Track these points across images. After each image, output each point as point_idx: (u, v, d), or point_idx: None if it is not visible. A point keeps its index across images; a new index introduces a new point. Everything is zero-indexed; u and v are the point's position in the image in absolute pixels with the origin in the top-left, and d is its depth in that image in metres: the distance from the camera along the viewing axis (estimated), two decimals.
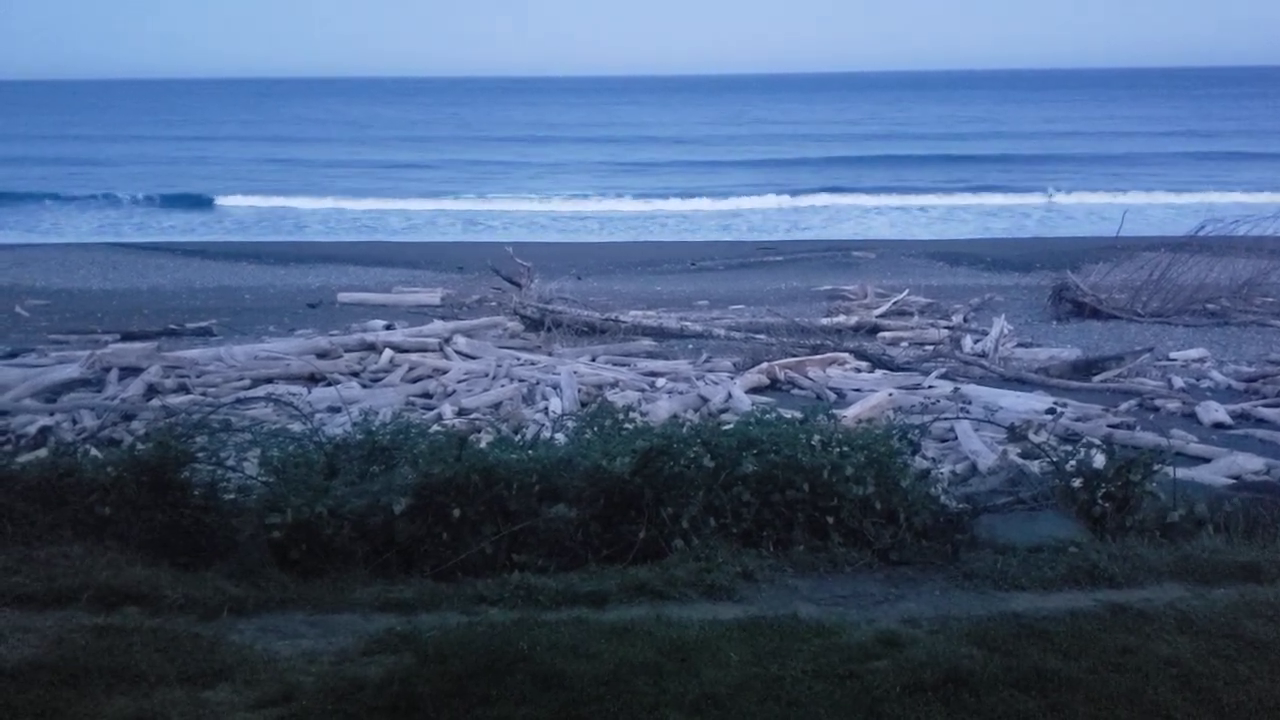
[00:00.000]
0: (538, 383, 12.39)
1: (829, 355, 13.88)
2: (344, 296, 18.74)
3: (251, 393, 12.02)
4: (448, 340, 14.11)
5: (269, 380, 12.63)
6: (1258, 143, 56.14)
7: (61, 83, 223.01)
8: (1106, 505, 6.20)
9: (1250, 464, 9.66)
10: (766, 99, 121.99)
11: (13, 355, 14.08)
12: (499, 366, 13.11)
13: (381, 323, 15.56)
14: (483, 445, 6.78)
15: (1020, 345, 15.09)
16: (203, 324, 16.58)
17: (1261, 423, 11.30)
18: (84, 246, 27.25)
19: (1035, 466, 8.07)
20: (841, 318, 16.56)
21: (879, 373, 13.50)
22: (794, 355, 13.80)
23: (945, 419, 10.49)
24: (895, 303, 17.34)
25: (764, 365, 13.14)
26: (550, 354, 14.24)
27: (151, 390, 12.16)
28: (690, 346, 15.10)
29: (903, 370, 13.51)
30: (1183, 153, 52.20)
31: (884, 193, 39.26)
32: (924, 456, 8.43)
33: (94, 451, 6.97)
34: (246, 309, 18.36)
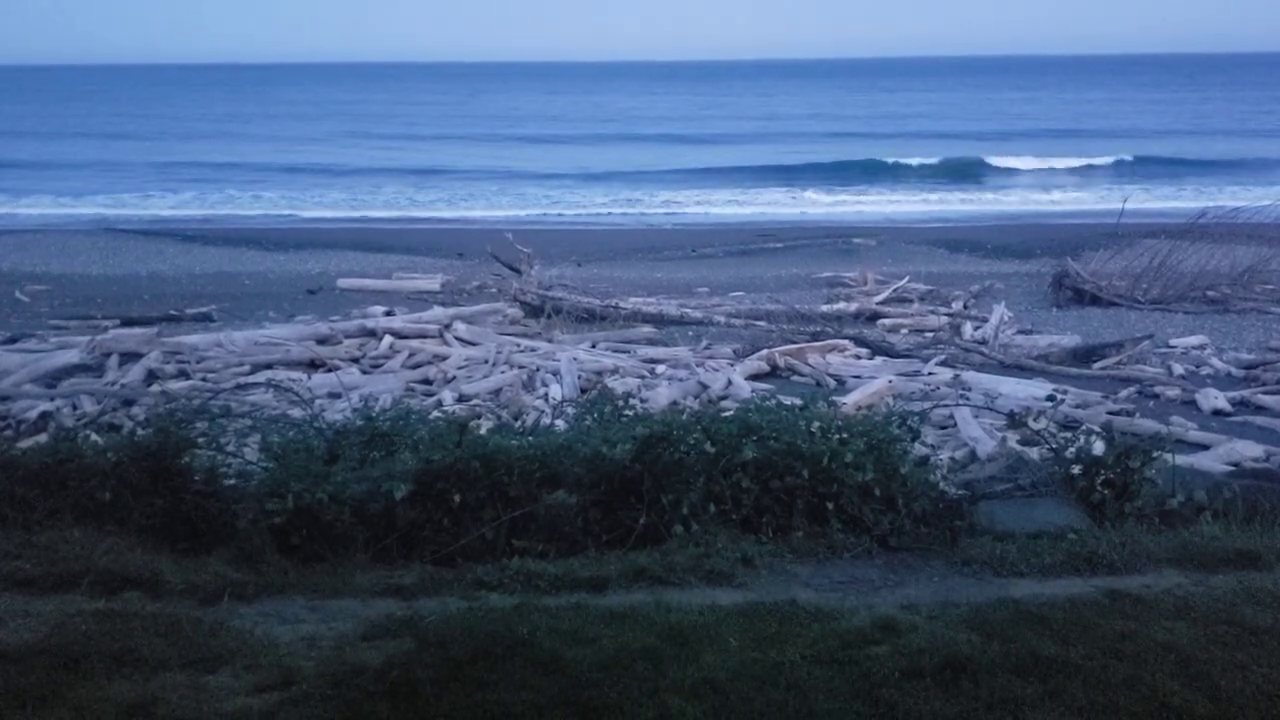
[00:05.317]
0: (538, 369, 12.39)
1: (829, 342, 13.88)
2: (344, 282, 18.71)
3: (251, 378, 12.03)
4: (448, 326, 14.10)
5: (269, 366, 12.63)
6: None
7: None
8: (1106, 492, 6.21)
9: (1249, 451, 9.66)
10: (758, 87, 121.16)
11: (13, 340, 14.08)
12: (499, 353, 13.10)
13: (381, 309, 15.54)
14: (483, 432, 6.79)
15: (1020, 332, 15.08)
16: (203, 309, 16.58)
17: (1261, 410, 11.31)
18: (85, 232, 27.22)
19: (1034, 453, 8.08)
20: (842, 305, 16.55)
21: (879, 360, 13.50)
22: (794, 342, 13.80)
23: (945, 406, 10.49)
24: (895, 290, 17.32)
25: (764, 352, 13.13)
26: (550, 340, 14.24)
27: (151, 376, 12.17)
28: (690, 333, 15.10)
29: (903, 357, 13.51)
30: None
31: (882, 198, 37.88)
32: (923, 443, 8.43)
33: (94, 437, 6.97)
34: (246, 295, 18.35)
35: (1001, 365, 13.19)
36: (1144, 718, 4.04)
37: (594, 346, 13.96)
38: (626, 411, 6.64)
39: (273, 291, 18.67)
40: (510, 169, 45.86)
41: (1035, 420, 9.34)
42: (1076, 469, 6.41)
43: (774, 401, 6.88)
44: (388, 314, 15.07)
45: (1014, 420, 9.51)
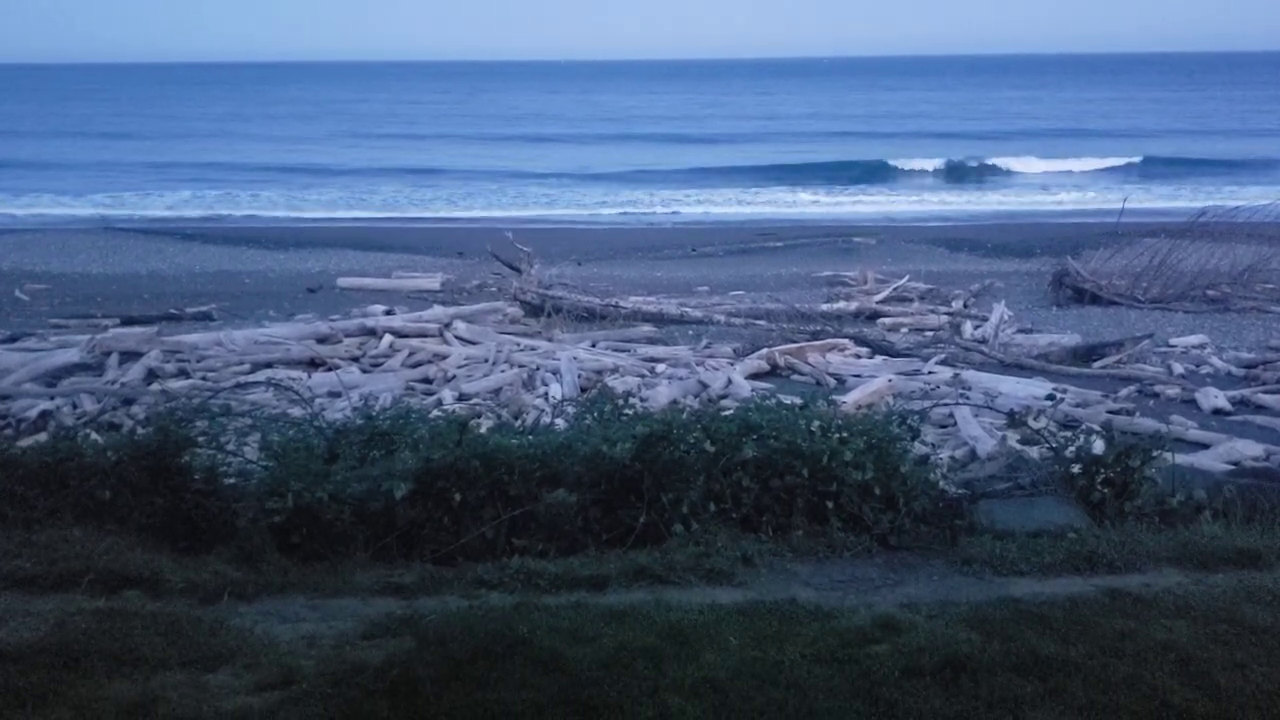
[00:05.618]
0: (538, 368, 12.39)
1: (829, 341, 13.88)
2: (344, 281, 18.71)
3: (251, 377, 12.02)
4: (448, 325, 14.10)
5: (269, 365, 12.64)
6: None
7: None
8: (1105, 491, 6.21)
9: (1249, 450, 9.67)
10: (758, 87, 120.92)
11: (13, 340, 14.08)
12: (499, 352, 13.10)
13: (381, 308, 15.54)
14: (483, 431, 6.79)
15: (1020, 331, 15.08)
16: (202, 309, 16.57)
17: (1261, 409, 11.31)
18: (84, 231, 27.22)
19: (1034, 452, 8.08)
20: (842, 304, 16.55)
21: (879, 359, 13.50)
22: (794, 341, 13.80)
23: (945, 405, 10.50)
24: (895, 289, 17.31)
25: (764, 351, 13.13)
26: (550, 340, 14.23)
27: (151, 375, 12.17)
28: (690, 332, 15.10)
29: (903, 356, 13.51)
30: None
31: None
32: (923, 442, 8.43)
33: (94, 436, 6.97)
34: (246, 294, 18.35)
35: (1001, 364, 13.19)
36: (1144, 716, 4.04)
37: (594, 345, 13.95)
38: (626, 410, 6.65)
39: (273, 290, 18.66)
40: (510, 168, 45.78)
41: (1035, 419, 9.35)
42: (1076, 468, 6.41)
43: (774, 400, 6.88)
44: (388, 313, 15.07)
45: (1014, 419, 9.51)
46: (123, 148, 53.70)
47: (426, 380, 12.35)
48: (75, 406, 10.98)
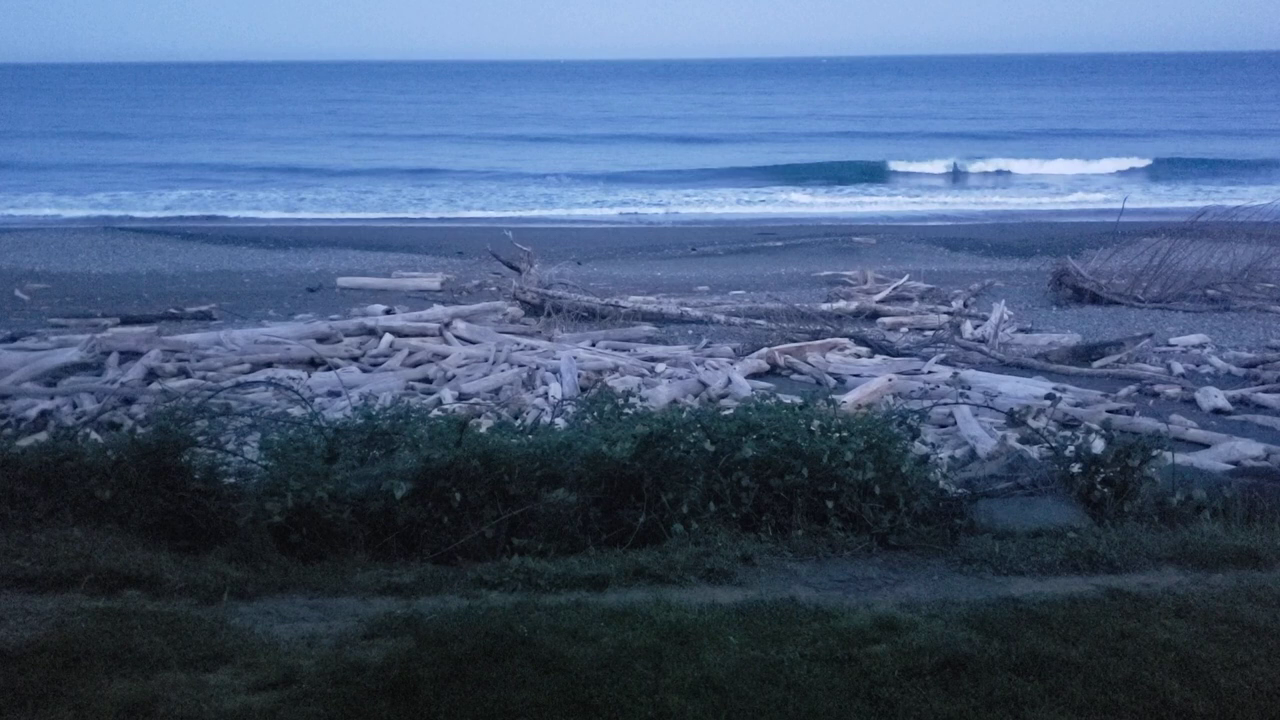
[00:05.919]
0: (538, 368, 12.40)
1: (829, 341, 13.89)
2: (343, 281, 18.72)
3: (251, 377, 12.03)
4: (447, 325, 14.11)
5: (269, 364, 12.65)
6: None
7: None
8: (1105, 490, 6.21)
9: (1249, 449, 9.68)
10: (758, 87, 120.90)
11: (13, 339, 14.09)
12: (499, 351, 13.11)
13: (381, 307, 15.55)
14: (483, 430, 6.79)
15: (1020, 330, 15.09)
16: (202, 308, 16.57)
17: (1261, 408, 11.33)
18: (84, 230, 27.21)
19: (1034, 452, 8.08)
20: (842, 303, 16.55)
21: (879, 358, 13.51)
22: (794, 341, 13.81)
23: (945, 404, 10.50)
24: (895, 288, 17.32)
25: (764, 350, 13.14)
26: (550, 339, 14.24)
27: (151, 374, 12.18)
28: (690, 332, 15.11)
29: (903, 356, 13.52)
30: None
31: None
32: (923, 442, 8.40)
33: (94, 435, 6.98)
34: (246, 293, 18.35)
35: (1001, 364, 13.20)
36: (1144, 716, 4.04)
37: (594, 345, 13.96)
38: (626, 410, 6.65)
39: (273, 290, 18.67)
40: (510, 168, 45.78)
41: (1035, 419, 9.36)
42: (1076, 467, 6.41)
43: (774, 400, 6.88)
44: (388, 312, 15.09)
45: (1014, 419, 9.51)
46: (122, 148, 53.65)
47: (426, 380, 12.35)
48: (75, 406, 10.99)
